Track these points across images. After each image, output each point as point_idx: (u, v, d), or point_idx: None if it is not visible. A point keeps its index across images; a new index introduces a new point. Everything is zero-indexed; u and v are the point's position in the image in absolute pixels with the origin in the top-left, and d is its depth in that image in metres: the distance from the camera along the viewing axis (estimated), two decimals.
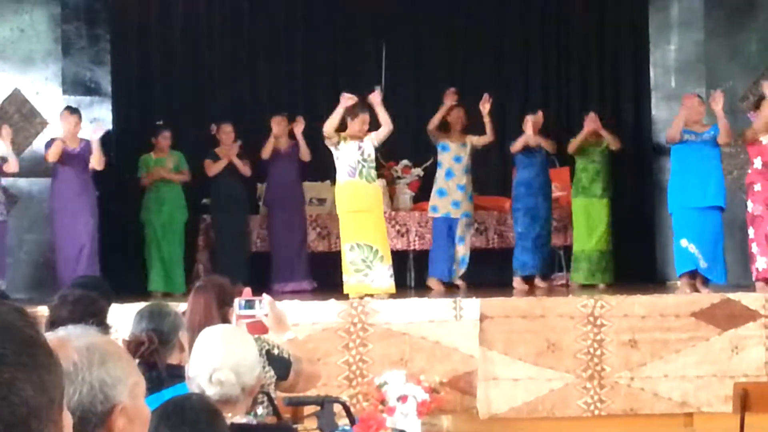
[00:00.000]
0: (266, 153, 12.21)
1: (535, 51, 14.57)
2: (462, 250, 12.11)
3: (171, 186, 12.10)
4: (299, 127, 12.20)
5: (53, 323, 4.74)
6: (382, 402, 9.20)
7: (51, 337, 2.12)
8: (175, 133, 12.30)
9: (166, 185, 12.08)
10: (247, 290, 5.81)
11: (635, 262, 13.07)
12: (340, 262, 10.62)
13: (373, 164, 10.67)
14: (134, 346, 4.51)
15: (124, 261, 11.74)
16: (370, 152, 10.59)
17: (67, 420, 1.62)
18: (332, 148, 10.64)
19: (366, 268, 10.37)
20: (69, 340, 2.08)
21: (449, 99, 12.03)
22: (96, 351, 2.06)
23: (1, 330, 1.53)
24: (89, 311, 5.02)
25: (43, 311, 6.93)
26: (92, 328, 2.23)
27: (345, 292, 10.37)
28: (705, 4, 12.75)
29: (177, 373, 4.46)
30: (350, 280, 10.44)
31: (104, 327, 5.05)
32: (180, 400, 3.25)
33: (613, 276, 12.48)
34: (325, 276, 12.25)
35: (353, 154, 10.51)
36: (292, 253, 12.34)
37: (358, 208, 10.47)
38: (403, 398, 9.14)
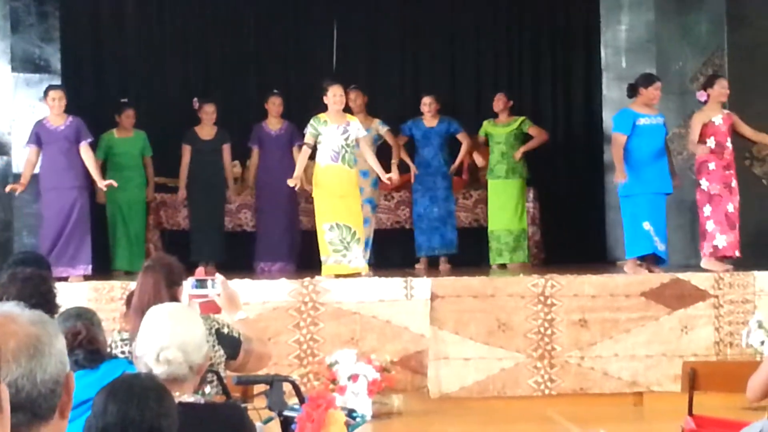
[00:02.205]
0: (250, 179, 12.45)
1: (487, 31, 14.53)
2: (366, 232, 11.72)
3: (135, 165, 11.97)
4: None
5: (0, 301, 4.71)
6: (333, 381, 9.21)
7: None
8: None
9: (130, 164, 11.95)
10: (200, 270, 5.79)
11: (585, 242, 13.14)
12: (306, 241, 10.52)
13: (355, 149, 10.50)
14: (72, 336, 4.53)
15: None
16: (355, 137, 10.42)
17: (4, 394, 1.61)
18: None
19: (344, 248, 10.24)
20: (17, 315, 2.08)
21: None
22: (49, 323, 2.10)
23: None
24: (39, 290, 4.99)
25: None
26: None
27: (323, 273, 10.23)
28: None
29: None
30: (328, 261, 10.29)
31: (54, 306, 5.03)
32: (128, 378, 3.26)
33: (527, 255, 12.47)
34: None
35: (337, 138, 10.34)
36: (281, 234, 12.13)
37: (340, 193, 10.31)
38: (353, 377, 9.15)
